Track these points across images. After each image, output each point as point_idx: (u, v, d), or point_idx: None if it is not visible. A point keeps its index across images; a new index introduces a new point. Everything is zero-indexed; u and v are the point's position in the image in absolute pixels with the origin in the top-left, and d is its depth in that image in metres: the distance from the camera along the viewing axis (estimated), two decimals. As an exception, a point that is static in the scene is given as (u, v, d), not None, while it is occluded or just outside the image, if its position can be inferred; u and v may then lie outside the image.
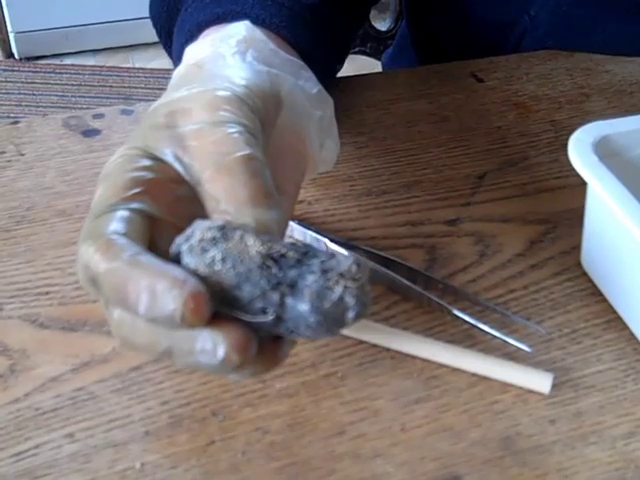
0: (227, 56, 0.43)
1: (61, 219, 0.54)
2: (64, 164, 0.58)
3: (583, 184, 0.47)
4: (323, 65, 0.52)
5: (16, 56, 2.40)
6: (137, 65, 2.42)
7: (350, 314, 0.33)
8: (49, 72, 2.36)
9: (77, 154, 0.59)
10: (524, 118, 0.64)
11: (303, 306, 0.33)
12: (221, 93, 0.38)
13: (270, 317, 0.33)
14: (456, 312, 0.47)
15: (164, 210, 0.37)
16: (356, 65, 0.64)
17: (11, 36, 2.37)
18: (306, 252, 0.34)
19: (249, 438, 0.42)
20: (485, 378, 0.45)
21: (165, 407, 0.43)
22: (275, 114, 0.42)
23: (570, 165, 0.47)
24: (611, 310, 0.49)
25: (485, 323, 0.47)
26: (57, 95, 2.27)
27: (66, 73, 2.36)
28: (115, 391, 0.43)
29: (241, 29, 0.45)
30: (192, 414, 0.43)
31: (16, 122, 0.62)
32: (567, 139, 0.48)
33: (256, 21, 0.48)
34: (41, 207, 0.55)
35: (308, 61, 0.49)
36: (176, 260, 0.34)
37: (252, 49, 0.44)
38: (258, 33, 0.46)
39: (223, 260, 0.33)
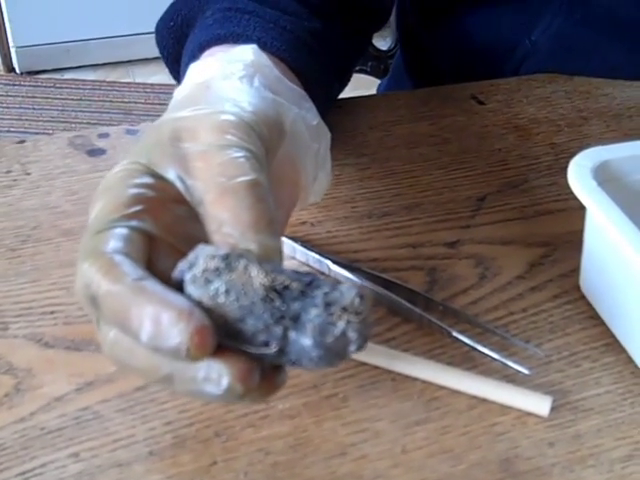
0: (235, 79, 0.43)
1: (66, 238, 0.54)
2: (69, 183, 0.59)
3: (582, 207, 0.47)
4: (323, 89, 0.53)
5: (17, 70, 2.42)
6: (137, 80, 2.43)
7: (352, 347, 0.34)
8: (50, 87, 2.37)
9: (82, 174, 0.60)
10: (524, 141, 0.65)
11: (306, 340, 0.33)
12: (229, 117, 0.38)
13: (273, 350, 0.33)
14: (456, 334, 0.48)
15: (163, 230, 0.37)
16: (353, 84, 0.65)
17: (12, 50, 2.39)
18: (310, 282, 0.34)
19: (251, 459, 0.42)
20: (485, 400, 0.45)
21: (169, 427, 0.43)
22: (278, 143, 0.42)
23: (570, 188, 0.47)
24: (609, 333, 0.49)
25: (485, 345, 0.47)
26: (57, 109, 2.28)
27: (67, 88, 2.37)
28: (119, 411, 0.44)
29: (249, 53, 0.45)
30: (195, 434, 0.43)
31: (22, 141, 0.62)
32: (566, 162, 0.48)
33: (257, 44, 0.48)
34: (47, 226, 0.55)
35: (308, 85, 0.50)
36: (178, 286, 0.34)
37: (259, 74, 0.44)
38: (264, 58, 0.46)
39: (227, 292, 0.33)
